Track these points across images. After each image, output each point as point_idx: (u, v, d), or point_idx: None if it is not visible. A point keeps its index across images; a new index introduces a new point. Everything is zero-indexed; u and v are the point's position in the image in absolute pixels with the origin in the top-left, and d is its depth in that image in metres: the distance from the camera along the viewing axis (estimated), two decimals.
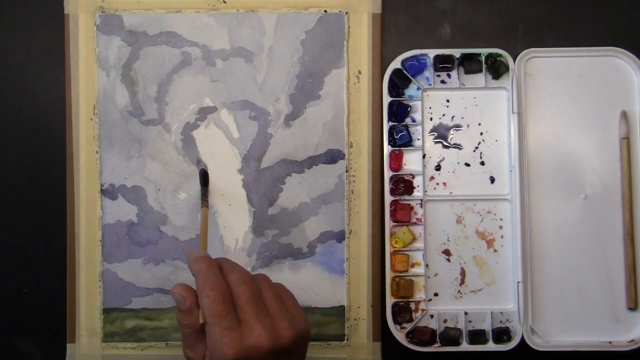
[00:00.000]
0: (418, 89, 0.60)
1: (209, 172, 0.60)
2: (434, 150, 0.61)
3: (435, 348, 0.59)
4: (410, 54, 0.60)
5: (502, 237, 0.60)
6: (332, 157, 0.61)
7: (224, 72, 0.61)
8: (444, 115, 0.61)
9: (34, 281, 0.61)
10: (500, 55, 0.60)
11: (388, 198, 0.60)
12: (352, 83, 0.61)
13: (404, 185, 0.60)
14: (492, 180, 0.61)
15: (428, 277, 0.60)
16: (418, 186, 0.60)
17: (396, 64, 0.60)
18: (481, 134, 0.61)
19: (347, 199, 0.60)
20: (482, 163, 0.61)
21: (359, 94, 0.61)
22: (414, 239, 0.60)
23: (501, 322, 0.60)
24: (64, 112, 0.60)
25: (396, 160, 0.60)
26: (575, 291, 0.60)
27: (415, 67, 0.60)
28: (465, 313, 0.60)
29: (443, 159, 0.61)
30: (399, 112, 0.60)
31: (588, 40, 0.61)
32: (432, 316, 0.60)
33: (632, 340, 0.59)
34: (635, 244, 0.60)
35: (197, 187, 0.60)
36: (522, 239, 0.59)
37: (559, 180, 0.60)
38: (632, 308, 0.59)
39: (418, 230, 0.60)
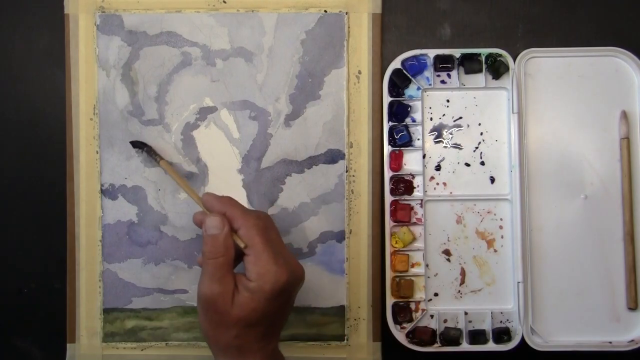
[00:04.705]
0: (418, 89, 0.60)
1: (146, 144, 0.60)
2: (434, 150, 0.61)
3: (436, 348, 0.59)
4: (410, 54, 0.60)
5: (502, 237, 0.60)
6: (332, 157, 0.61)
7: (224, 72, 0.61)
8: (444, 115, 0.61)
9: (34, 281, 0.61)
10: (500, 55, 0.60)
11: (388, 198, 0.60)
12: (352, 83, 0.61)
13: (404, 185, 0.60)
14: (492, 180, 0.61)
15: (428, 277, 0.60)
16: (418, 186, 0.60)
17: (396, 64, 0.60)
18: (481, 134, 0.61)
19: (347, 199, 0.60)
20: (482, 163, 0.61)
21: (359, 94, 0.61)
22: (414, 239, 0.60)
23: (501, 322, 0.60)
24: (64, 112, 0.60)
25: (396, 160, 0.60)
26: (575, 291, 0.60)
27: (415, 67, 0.60)
28: (466, 313, 0.60)
29: (443, 159, 0.61)
30: (399, 112, 0.60)
31: (588, 40, 0.61)
32: (432, 316, 0.60)
33: (632, 340, 0.59)
34: (635, 244, 0.60)
35: (198, 187, 0.60)
36: (522, 239, 0.59)
37: (559, 180, 0.60)
38: (632, 308, 0.59)
39: (418, 230, 0.60)
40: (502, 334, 0.59)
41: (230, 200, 0.52)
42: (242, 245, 0.50)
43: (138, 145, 0.60)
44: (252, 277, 0.49)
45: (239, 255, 0.52)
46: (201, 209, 0.53)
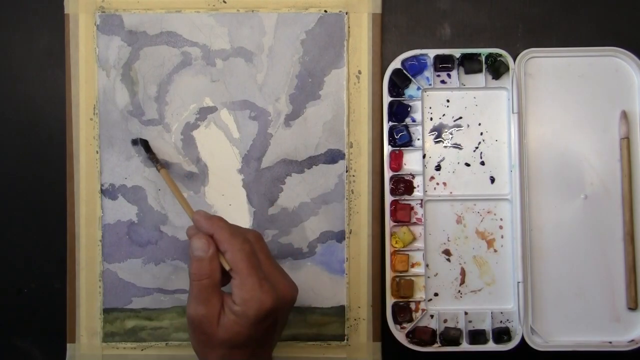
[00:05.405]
0: (418, 89, 0.60)
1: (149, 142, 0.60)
2: (434, 150, 0.61)
3: (436, 348, 0.59)
4: (410, 54, 0.60)
5: (502, 237, 0.60)
6: (332, 157, 0.61)
7: (224, 72, 0.61)
8: (444, 115, 0.61)
9: (34, 281, 0.61)
10: (500, 55, 0.60)
11: (388, 198, 0.60)
12: (352, 83, 0.61)
13: (404, 185, 0.60)
14: (492, 180, 0.61)
15: (428, 277, 0.60)
16: (418, 186, 0.60)
17: (396, 64, 0.60)
18: (481, 134, 0.61)
19: (347, 199, 0.60)
20: (482, 163, 0.61)
21: (359, 94, 0.61)
22: (414, 239, 0.60)
23: (501, 322, 0.60)
24: (64, 112, 0.60)
25: (396, 160, 0.60)
26: (575, 291, 0.60)
27: (415, 67, 0.60)
28: (466, 313, 0.60)
29: (443, 159, 0.61)
30: (399, 112, 0.60)
31: (588, 40, 0.61)
32: (432, 316, 0.60)
33: (632, 340, 0.59)
34: (635, 244, 0.60)
35: (198, 187, 0.60)
36: (522, 239, 0.59)
37: (559, 180, 0.60)
38: (632, 308, 0.59)
39: (418, 230, 0.60)
40: (502, 334, 0.59)
41: (219, 222, 0.51)
42: (227, 268, 0.50)
43: (145, 146, 0.59)
44: (237, 301, 0.48)
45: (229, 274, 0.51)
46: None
